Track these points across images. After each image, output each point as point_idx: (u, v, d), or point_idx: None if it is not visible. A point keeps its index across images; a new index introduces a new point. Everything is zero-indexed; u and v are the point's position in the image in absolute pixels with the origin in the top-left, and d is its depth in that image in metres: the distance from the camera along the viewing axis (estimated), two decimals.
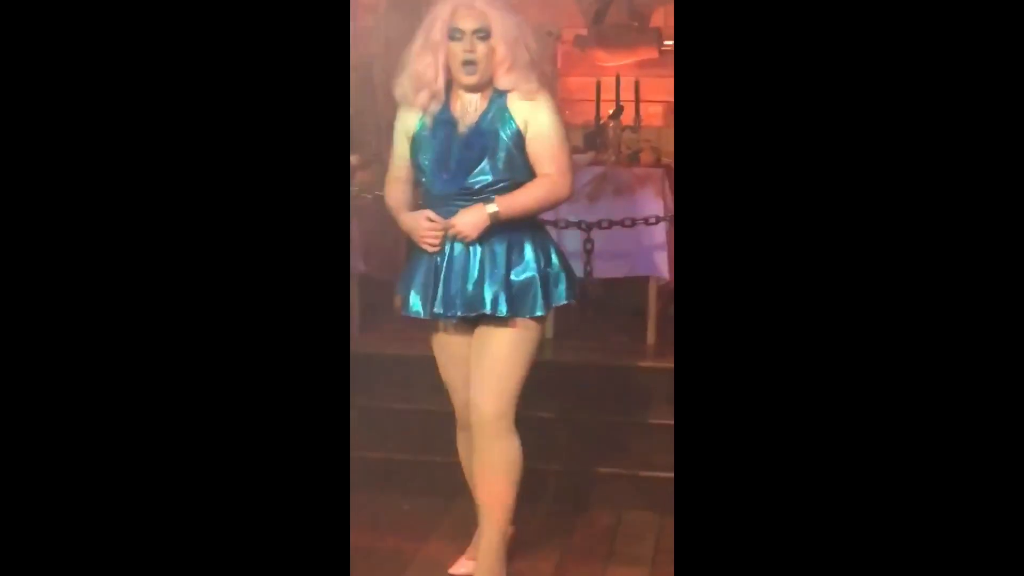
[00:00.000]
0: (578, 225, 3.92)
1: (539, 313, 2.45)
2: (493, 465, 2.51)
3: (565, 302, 2.53)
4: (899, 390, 1.41)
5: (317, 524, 1.52)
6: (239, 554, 1.49)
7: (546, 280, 2.45)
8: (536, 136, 2.40)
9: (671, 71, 5.06)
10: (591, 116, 5.05)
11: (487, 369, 2.46)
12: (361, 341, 3.67)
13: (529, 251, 2.45)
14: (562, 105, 5.78)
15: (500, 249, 2.41)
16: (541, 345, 2.59)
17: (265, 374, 1.50)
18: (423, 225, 2.39)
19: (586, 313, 4.27)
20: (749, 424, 1.47)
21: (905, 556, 1.41)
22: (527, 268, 2.44)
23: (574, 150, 4.70)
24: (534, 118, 2.40)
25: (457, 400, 2.60)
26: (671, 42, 5.44)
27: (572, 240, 4.01)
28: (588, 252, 3.98)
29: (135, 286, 1.45)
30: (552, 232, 4.05)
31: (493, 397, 2.44)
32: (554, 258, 2.51)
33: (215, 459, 1.47)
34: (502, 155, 2.37)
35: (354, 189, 3.76)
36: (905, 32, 1.41)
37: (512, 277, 2.42)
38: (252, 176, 1.50)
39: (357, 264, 3.77)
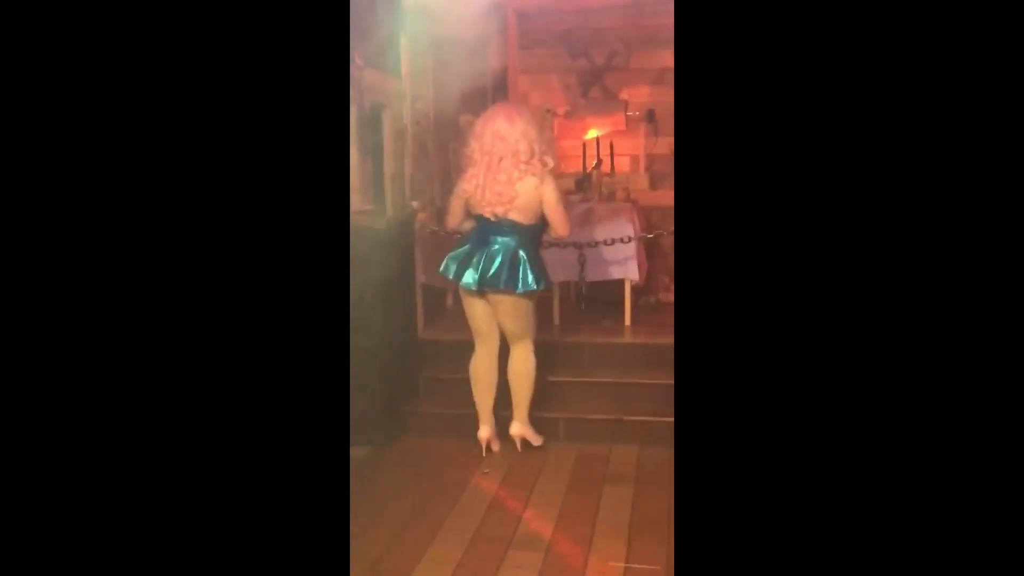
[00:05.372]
0: (574, 245, 4.56)
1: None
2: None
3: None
4: (899, 401, 1.28)
5: (317, 520, 1.38)
6: (239, 557, 1.36)
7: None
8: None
9: (636, 133, 6.08)
10: (579, 168, 5.78)
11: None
12: (424, 331, 4.54)
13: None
14: (558, 161, 6.63)
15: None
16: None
17: (267, 379, 1.37)
18: None
19: (580, 307, 5.07)
20: (745, 428, 1.35)
21: (904, 566, 1.26)
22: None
23: (567, 193, 5.37)
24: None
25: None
26: (634, 112, 6.19)
27: (570, 256, 4.64)
28: (582, 264, 4.64)
29: (137, 298, 1.32)
30: (556, 251, 4.68)
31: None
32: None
33: (212, 462, 1.34)
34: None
35: (416, 226, 4.47)
36: (897, 78, 1.26)
37: None
38: (261, 184, 1.36)
39: (420, 276, 4.55)
